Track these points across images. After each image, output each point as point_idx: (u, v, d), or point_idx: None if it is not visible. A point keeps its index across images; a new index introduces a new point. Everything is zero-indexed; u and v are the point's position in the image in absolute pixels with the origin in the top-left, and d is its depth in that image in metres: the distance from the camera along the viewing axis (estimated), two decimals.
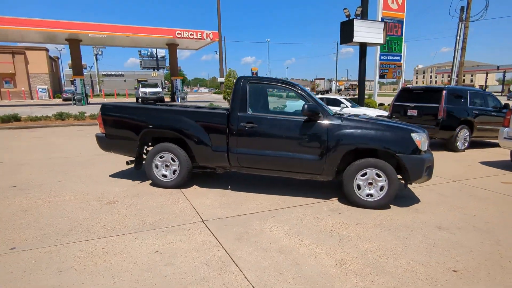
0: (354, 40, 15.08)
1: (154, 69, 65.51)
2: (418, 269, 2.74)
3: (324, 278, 2.58)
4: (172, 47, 28.71)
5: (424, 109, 8.68)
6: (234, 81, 4.72)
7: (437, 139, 9.02)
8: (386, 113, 11.67)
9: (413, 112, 8.89)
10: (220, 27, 35.08)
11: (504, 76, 63.74)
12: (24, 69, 40.64)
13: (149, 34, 24.97)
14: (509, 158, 7.01)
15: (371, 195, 4.12)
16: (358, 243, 3.20)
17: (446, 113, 8.23)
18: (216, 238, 3.24)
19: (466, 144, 8.60)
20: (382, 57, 19.67)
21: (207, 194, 4.62)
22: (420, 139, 4.04)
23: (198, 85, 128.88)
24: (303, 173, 4.38)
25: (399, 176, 4.34)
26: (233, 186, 5.03)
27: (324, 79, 78.84)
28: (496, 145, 8.56)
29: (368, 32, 15.23)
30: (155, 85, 28.86)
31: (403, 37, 20.06)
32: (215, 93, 65.87)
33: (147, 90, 26.96)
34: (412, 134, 4.04)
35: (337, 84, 77.59)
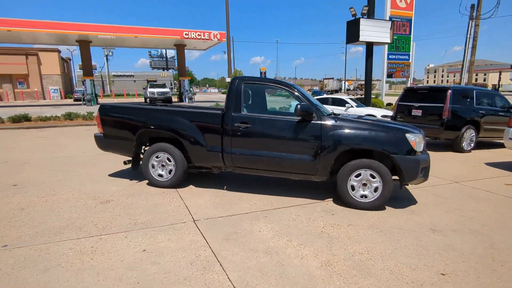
0: (360, 40, 14.93)
1: (163, 70, 66.09)
2: (405, 271, 2.69)
3: (307, 279, 2.56)
4: (180, 48, 28.96)
5: (428, 109, 8.54)
6: None
7: (442, 140, 8.86)
8: (392, 113, 11.52)
9: (418, 112, 8.75)
10: (229, 28, 35.16)
11: None
12: (37, 70, 41.58)
13: (157, 35, 25.23)
14: None
15: (365, 196, 4.08)
16: (347, 244, 3.17)
17: (451, 113, 8.07)
18: (205, 238, 3.25)
19: (472, 145, 8.42)
20: (390, 56, 19.39)
21: (202, 194, 4.64)
22: (415, 139, 3.98)
23: (207, 85, 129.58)
24: (297, 174, 4.36)
25: (395, 177, 4.28)
26: (229, 186, 5.04)
27: (333, 78, 78.35)
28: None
29: (374, 31, 15.06)
30: (163, 85, 29.12)
31: (412, 36, 19.74)
32: (223, 93, 66.13)
33: (155, 90, 27.22)
34: (407, 135, 3.98)
35: (347, 83, 77.01)
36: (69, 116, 15.14)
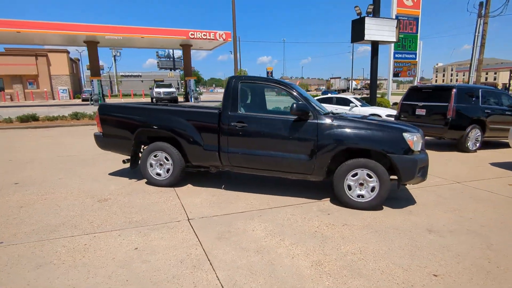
0: (365, 39, 14.80)
1: (170, 70, 66.48)
2: (397, 272, 2.66)
3: (296, 279, 2.54)
4: (186, 48, 29.10)
5: (433, 108, 8.42)
6: None
7: (446, 139, 8.73)
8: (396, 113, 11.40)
9: (422, 112, 8.64)
10: (235, 28, 35.12)
11: None
12: (47, 70, 42.21)
13: (163, 35, 25.40)
14: None
15: (362, 196, 4.03)
16: (340, 244, 3.14)
17: (455, 112, 7.95)
18: (197, 237, 3.25)
19: (477, 145, 8.28)
20: (396, 55, 19.20)
21: (199, 193, 4.65)
22: (413, 139, 3.92)
23: (214, 85, 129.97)
24: (293, 173, 4.34)
25: (394, 177, 4.23)
26: (228, 185, 5.04)
27: (339, 78, 77.82)
28: None
29: (380, 30, 14.92)
30: (169, 85, 29.30)
31: (419, 34, 19.51)
32: None
33: (161, 90, 27.42)
34: (404, 134, 3.92)
35: (355, 83, 76.43)
36: (76, 116, 15.36)
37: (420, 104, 8.70)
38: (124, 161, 5.26)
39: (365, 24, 14.55)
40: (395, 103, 19.16)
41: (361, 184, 4.04)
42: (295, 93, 4.34)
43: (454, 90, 8.06)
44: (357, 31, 15.03)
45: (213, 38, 26.19)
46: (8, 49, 39.93)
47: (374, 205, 4.01)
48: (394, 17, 17.83)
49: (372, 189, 3.99)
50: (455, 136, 8.18)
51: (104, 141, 5.13)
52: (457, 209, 4.12)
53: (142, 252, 2.93)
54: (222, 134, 4.43)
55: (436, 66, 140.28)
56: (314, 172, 4.18)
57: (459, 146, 8.25)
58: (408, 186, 5.00)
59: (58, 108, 22.58)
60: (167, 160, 4.77)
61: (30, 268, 2.65)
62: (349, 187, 4.06)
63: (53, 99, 42.25)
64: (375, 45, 15.40)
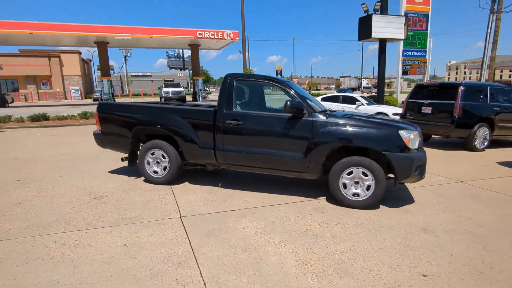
0: (372, 36, 14.62)
1: (180, 70, 67.04)
2: (385, 272, 2.60)
3: (280, 277, 2.51)
4: (194, 48, 29.25)
5: (439, 106, 8.24)
6: None
7: (453, 138, 8.54)
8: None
9: (428, 110, 8.46)
10: (244, 27, 35.19)
11: None
12: (59, 71, 43.03)
13: (171, 35, 25.58)
14: None
15: (358, 195, 3.97)
16: (330, 243, 3.09)
17: (462, 110, 7.76)
18: (187, 234, 3.25)
19: (486, 143, 8.06)
20: (405, 53, 18.86)
21: (195, 191, 4.65)
22: (409, 136, 3.83)
23: None
24: (288, 171, 4.30)
25: (392, 176, 4.16)
26: (225, 183, 5.03)
27: (349, 76, 77.03)
28: None
29: (387, 27, 14.71)
30: (178, 85, 29.55)
31: (429, 31, 19.10)
32: None
33: (170, 90, 27.66)
34: (400, 132, 3.84)
35: (366, 81, 75.54)
36: (85, 115, 15.62)
37: (426, 102, 8.53)
38: (122, 159, 5.31)
39: (372, 22, 14.36)
40: (404, 102, 18.86)
41: (357, 183, 3.97)
42: (289, 91, 4.30)
43: (461, 87, 7.87)
44: (364, 29, 14.85)
45: (221, 37, 26.26)
46: (22, 50, 40.86)
47: (369, 204, 3.94)
48: (403, 14, 17.53)
49: (368, 188, 3.92)
50: (462, 135, 7.99)
51: (103, 139, 5.18)
52: (456, 209, 4.01)
53: (130, 248, 2.95)
54: (217, 132, 4.42)
55: (448, 64, 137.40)
56: (309, 170, 4.14)
57: (466, 144, 8.05)
58: (408, 185, 4.91)
59: (69, 107, 22.98)
60: (164, 158, 4.79)
61: (19, 263, 2.69)
62: (344, 186, 4.00)
63: (66, 99, 43.04)
64: (382, 42, 15.19)
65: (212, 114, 4.47)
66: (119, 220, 3.60)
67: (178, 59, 68.86)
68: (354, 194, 3.98)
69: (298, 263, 2.71)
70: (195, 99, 29.78)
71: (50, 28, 22.80)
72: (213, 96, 39.66)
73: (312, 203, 4.20)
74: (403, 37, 15.38)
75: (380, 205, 4.08)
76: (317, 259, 2.78)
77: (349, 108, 12.65)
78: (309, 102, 4.28)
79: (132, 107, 5.04)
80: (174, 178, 4.84)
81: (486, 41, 18.33)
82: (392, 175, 4.14)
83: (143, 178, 5.16)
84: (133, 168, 5.50)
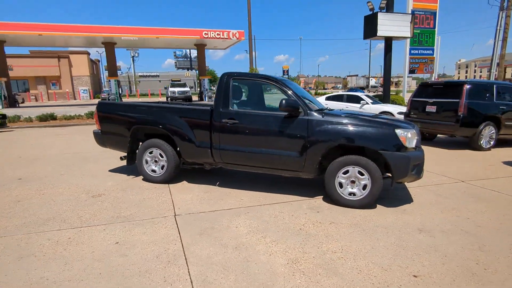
0: (378, 35, 14.51)
1: (187, 69, 67.46)
2: (375, 272, 2.56)
3: (268, 276, 2.49)
4: (200, 47, 29.38)
5: (443, 105, 8.11)
6: None
7: (458, 137, 8.40)
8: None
9: (432, 108, 8.34)
10: (250, 26, 35.20)
11: None
12: (68, 72, 43.70)
13: (178, 35, 25.73)
14: None
15: (354, 194, 3.92)
16: (322, 242, 3.06)
17: (467, 109, 7.62)
18: (179, 232, 3.25)
19: (492, 142, 7.91)
20: (412, 51, 18.66)
21: (192, 190, 4.66)
22: (406, 135, 3.77)
23: None
24: (285, 170, 4.28)
25: (390, 175, 4.10)
26: (222, 182, 5.04)
27: (357, 75, 76.49)
28: None
29: (393, 25, 14.56)
30: (184, 85, 29.74)
31: (436, 29, 18.86)
32: None
33: (176, 89, 27.84)
34: (397, 130, 3.78)
35: (374, 80, 74.96)
36: (92, 115, 15.84)
37: (431, 100, 8.40)
38: (121, 158, 5.35)
39: (378, 20, 14.24)
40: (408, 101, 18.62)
41: (353, 182, 3.93)
42: (286, 89, 4.27)
43: (465, 85, 7.73)
44: (370, 27, 14.73)
45: (227, 37, 26.32)
46: (32, 51, 41.63)
47: (365, 204, 3.89)
48: (410, 11, 17.33)
49: (364, 187, 3.87)
50: (467, 134, 7.85)
51: (102, 138, 5.24)
52: (455, 209, 3.94)
53: (122, 246, 2.96)
54: (214, 131, 4.42)
55: (458, 62, 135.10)
56: (305, 169, 4.11)
57: (471, 144, 7.91)
58: (407, 185, 4.85)
59: (77, 107, 23.28)
60: (162, 157, 4.81)
61: (11, 259, 2.73)
62: (341, 185, 3.97)
63: (74, 99, 43.68)
64: (388, 41, 15.04)
65: (208, 113, 4.48)
66: (114, 218, 3.62)
67: (186, 59, 69.30)
68: (350, 194, 3.94)
69: (287, 262, 2.69)
70: (201, 98, 29.90)
71: (58, 29, 23.15)
72: None
73: (308, 202, 4.17)
74: (409, 35, 15.20)
75: (377, 205, 4.04)
76: (307, 259, 2.76)
77: (353, 107, 12.55)
78: (306, 100, 4.25)
79: (131, 106, 5.07)
80: (172, 177, 4.86)
81: (495, 39, 17.99)
82: (389, 174, 4.09)
83: (142, 177, 5.19)
84: (133, 167, 5.54)
